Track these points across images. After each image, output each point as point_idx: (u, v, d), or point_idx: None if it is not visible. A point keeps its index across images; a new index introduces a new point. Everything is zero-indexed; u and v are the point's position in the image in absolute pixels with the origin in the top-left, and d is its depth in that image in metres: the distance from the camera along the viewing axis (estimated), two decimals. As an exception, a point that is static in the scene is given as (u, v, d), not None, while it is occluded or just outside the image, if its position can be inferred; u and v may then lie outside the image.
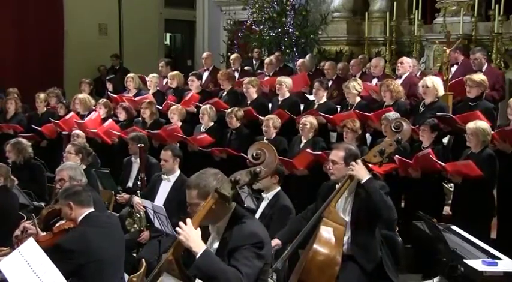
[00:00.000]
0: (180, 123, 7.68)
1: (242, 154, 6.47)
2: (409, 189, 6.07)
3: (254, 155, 3.07)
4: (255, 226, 3.10)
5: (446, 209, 6.08)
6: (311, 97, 7.95)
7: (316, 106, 7.43)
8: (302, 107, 7.86)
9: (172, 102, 8.31)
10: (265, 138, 6.77)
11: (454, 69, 7.84)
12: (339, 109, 7.47)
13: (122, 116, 8.21)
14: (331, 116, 7.01)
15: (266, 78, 9.22)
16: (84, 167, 5.98)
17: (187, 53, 15.92)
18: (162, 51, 15.05)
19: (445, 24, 9.62)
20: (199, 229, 2.98)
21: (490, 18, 9.47)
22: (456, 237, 4.57)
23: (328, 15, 11.14)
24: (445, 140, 6.83)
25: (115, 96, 9.18)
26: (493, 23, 9.21)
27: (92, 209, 4.08)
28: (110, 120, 8.11)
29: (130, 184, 6.67)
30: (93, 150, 6.79)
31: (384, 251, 4.31)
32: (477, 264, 4.13)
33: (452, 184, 6.06)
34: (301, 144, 6.65)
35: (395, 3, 10.42)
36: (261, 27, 11.36)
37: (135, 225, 5.80)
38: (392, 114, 6.16)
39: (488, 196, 5.50)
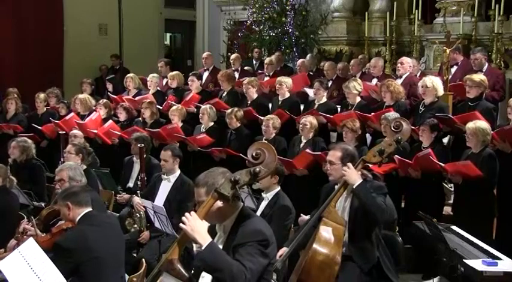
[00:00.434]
0: (180, 124, 7.68)
1: (241, 155, 6.48)
2: (409, 189, 6.06)
3: (254, 154, 3.06)
4: (261, 225, 3.12)
5: (447, 209, 6.08)
6: (311, 92, 7.95)
7: (316, 106, 7.44)
8: (302, 107, 7.87)
9: (173, 102, 8.31)
10: (264, 138, 6.78)
11: (453, 69, 7.83)
12: (339, 109, 7.48)
13: (122, 116, 8.22)
14: (331, 116, 7.02)
15: (266, 78, 9.23)
16: (85, 167, 5.99)
17: (187, 53, 15.93)
18: (162, 51, 15.06)
19: (445, 24, 9.62)
20: (205, 221, 2.99)
21: (490, 18, 9.47)
22: (456, 237, 4.57)
23: (328, 15, 11.14)
24: (445, 140, 6.83)
25: (115, 97, 9.19)
26: (493, 23, 9.21)
27: (90, 209, 4.09)
28: (110, 121, 8.11)
29: (130, 184, 6.68)
30: (93, 150, 6.80)
31: (382, 251, 4.30)
32: (477, 264, 4.14)
33: (452, 184, 6.07)
34: (301, 144, 6.66)
35: (395, 3, 10.42)
36: (261, 27, 11.35)
37: (135, 225, 5.79)
38: (392, 114, 6.16)
39: (490, 196, 5.50)
